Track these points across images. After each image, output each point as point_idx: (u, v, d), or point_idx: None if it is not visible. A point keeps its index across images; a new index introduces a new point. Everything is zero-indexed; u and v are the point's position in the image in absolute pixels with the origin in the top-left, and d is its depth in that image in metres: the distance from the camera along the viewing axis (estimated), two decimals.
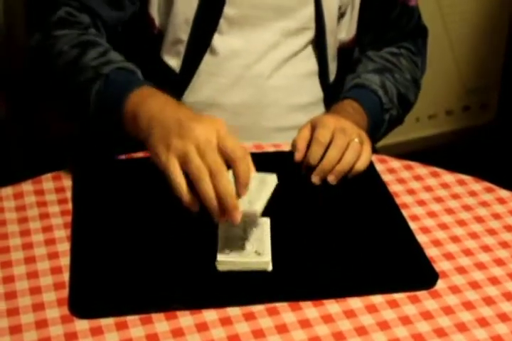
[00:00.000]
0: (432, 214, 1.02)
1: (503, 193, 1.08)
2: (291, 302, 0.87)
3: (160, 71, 1.19)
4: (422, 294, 0.89)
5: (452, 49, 2.28)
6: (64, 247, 0.93)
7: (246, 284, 0.88)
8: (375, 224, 0.99)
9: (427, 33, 1.34)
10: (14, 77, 1.72)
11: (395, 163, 1.12)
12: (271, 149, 1.13)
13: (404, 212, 1.02)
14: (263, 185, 0.92)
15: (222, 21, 1.15)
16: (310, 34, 1.20)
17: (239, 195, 0.87)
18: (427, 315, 0.86)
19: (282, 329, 0.83)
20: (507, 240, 0.99)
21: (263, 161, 1.09)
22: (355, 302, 0.87)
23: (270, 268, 0.90)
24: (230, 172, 0.87)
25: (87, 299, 0.86)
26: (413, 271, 0.92)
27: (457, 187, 1.08)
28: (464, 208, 1.04)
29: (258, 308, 0.86)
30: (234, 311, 0.85)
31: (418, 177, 1.10)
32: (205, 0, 1.13)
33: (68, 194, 1.02)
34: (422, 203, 1.05)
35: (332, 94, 1.25)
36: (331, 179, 1.03)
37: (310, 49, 1.22)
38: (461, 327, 0.85)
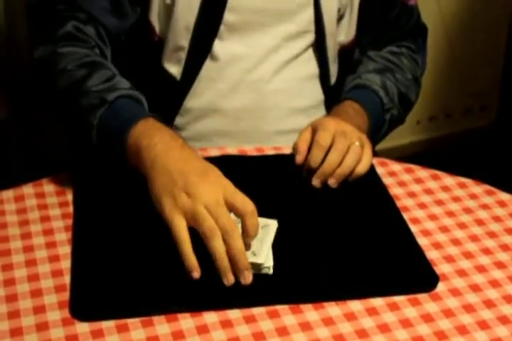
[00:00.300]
0: (432, 217, 1.03)
1: (504, 196, 1.08)
2: (291, 304, 0.87)
3: (161, 78, 1.19)
4: (422, 297, 0.89)
5: (452, 51, 2.28)
6: (65, 250, 0.93)
7: (246, 287, 0.88)
8: (375, 227, 0.99)
9: (427, 32, 1.34)
10: (15, 78, 1.72)
11: (396, 166, 1.12)
12: (271, 152, 1.13)
13: (405, 215, 1.02)
14: (265, 233, 0.93)
15: (222, 27, 1.15)
16: (310, 37, 1.20)
17: (246, 248, 0.88)
18: (427, 318, 0.86)
19: (283, 331, 0.84)
20: (507, 243, 0.99)
21: (264, 164, 1.10)
22: (356, 305, 0.87)
23: (265, 271, 0.89)
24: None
25: (87, 301, 0.86)
26: (413, 274, 0.92)
27: (458, 190, 1.08)
28: (464, 211, 1.04)
29: (259, 311, 0.86)
30: (234, 314, 0.85)
31: (419, 180, 1.10)
32: (205, 6, 1.13)
33: (69, 197, 1.02)
34: (422, 206, 1.05)
35: (333, 97, 1.25)
36: (332, 182, 1.03)
37: (310, 52, 1.22)
38: (462, 330, 0.85)
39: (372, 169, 1.09)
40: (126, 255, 0.92)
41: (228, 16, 1.15)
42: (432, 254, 0.96)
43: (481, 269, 0.94)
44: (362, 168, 1.04)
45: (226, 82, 1.18)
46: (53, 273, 0.90)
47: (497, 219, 1.03)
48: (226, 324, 0.84)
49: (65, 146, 1.40)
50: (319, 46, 1.21)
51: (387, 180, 1.09)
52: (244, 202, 0.89)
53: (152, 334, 0.82)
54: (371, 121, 1.17)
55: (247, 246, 0.88)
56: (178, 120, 1.20)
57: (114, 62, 1.12)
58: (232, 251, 0.86)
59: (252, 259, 0.88)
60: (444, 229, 1.00)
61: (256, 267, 0.89)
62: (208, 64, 1.17)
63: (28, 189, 1.03)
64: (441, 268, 0.94)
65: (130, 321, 0.84)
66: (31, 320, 0.83)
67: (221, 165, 1.07)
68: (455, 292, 0.90)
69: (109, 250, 0.92)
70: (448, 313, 0.87)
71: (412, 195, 1.07)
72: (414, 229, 1.00)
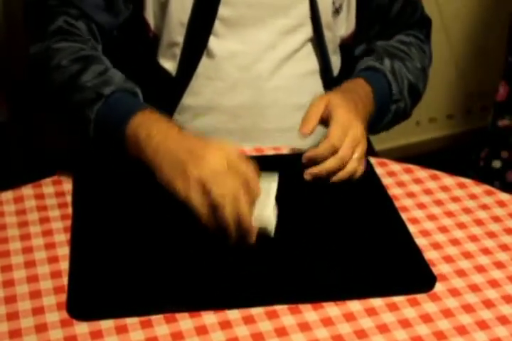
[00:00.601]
0: (431, 217, 1.03)
1: (503, 196, 1.08)
2: (290, 305, 0.87)
3: (156, 74, 1.19)
4: (421, 297, 0.89)
5: (453, 52, 2.28)
6: (64, 251, 0.93)
7: (245, 287, 0.88)
8: (373, 227, 0.99)
9: (431, 24, 1.34)
10: (15, 78, 1.72)
11: (395, 166, 1.12)
12: (271, 152, 1.13)
13: (404, 215, 1.02)
14: (268, 188, 0.96)
15: (217, 23, 1.15)
16: (307, 31, 1.20)
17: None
18: (426, 318, 0.86)
19: (282, 332, 0.84)
20: (507, 243, 0.99)
21: (263, 164, 1.10)
22: (355, 306, 0.87)
23: (268, 232, 0.93)
24: None
25: (85, 301, 0.86)
26: (411, 274, 0.92)
27: (457, 190, 1.08)
28: (463, 211, 1.04)
29: (257, 311, 0.86)
30: (233, 314, 0.85)
31: (418, 181, 1.10)
32: (199, 1, 1.13)
33: (68, 198, 1.02)
34: (421, 206, 1.05)
35: None
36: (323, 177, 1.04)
37: (309, 47, 1.21)
38: (461, 330, 0.85)
39: (371, 169, 1.09)
40: (125, 255, 0.92)
41: (223, 11, 1.14)
42: (431, 254, 0.96)
43: (480, 269, 0.94)
44: (357, 176, 1.05)
45: (224, 80, 1.18)
46: (52, 275, 0.90)
47: (496, 219, 1.03)
48: (225, 325, 0.84)
49: (64, 147, 1.40)
50: (318, 40, 1.20)
51: (386, 180, 1.09)
52: (247, 168, 0.93)
53: (151, 335, 0.82)
54: (377, 107, 1.16)
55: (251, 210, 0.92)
56: (176, 118, 1.20)
57: (109, 59, 1.12)
58: (240, 215, 0.90)
59: (256, 223, 0.92)
60: (444, 230, 1.00)
61: (260, 230, 0.92)
62: (204, 61, 1.17)
63: (27, 190, 1.03)
64: (441, 268, 0.94)
65: (129, 322, 0.84)
66: (30, 322, 0.83)
67: None
68: (454, 292, 0.90)
69: (108, 250, 0.93)
70: (447, 313, 0.87)
71: (411, 195, 1.07)
72: (413, 229, 1.00)
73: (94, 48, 1.12)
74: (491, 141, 2.04)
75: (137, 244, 0.93)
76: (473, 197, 1.07)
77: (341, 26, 1.23)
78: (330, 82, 1.25)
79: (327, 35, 1.20)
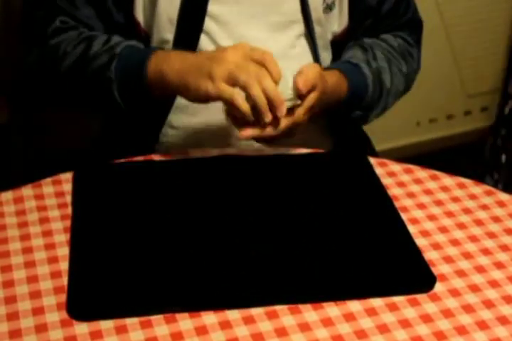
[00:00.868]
0: (431, 218, 1.03)
1: (503, 196, 1.08)
2: (290, 305, 0.87)
3: None
4: (421, 297, 0.89)
5: (453, 53, 2.28)
6: (64, 251, 0.93)
7: (245, 287, 0.88)
8: (373, 227, 0.99)
9: (422, 27, 1.33)
10: (15, 82, 1.72)
11: (395, 167, 1.12)
12: (271, 152, 1.13)
13: (404, 215, 1.02)
14: (283, 78, 1.02)
15: (207, 20, 1.14)
16: (299, 27, 1.19)
17: None
18: (426, 318, 0.86)
19: (282, 332, 0.84)
20: (507, 243, 0.99)
21: (263, 165, 1.10)
22: (355, 306, 0.87)
23: (294, 102, 1.02)
24: None
25: (85, 301, 0.86)
26: (411, 274, 0.92)
27: (457, 191, 1.08)
28: (463, 211, 1.04)
29: (257, 311, 0.86)
30: (233, 314, 0.85)
31: (418, 181, 1.10)
32: None
33: (68, 198, 1.02)
34: (421, 206, 1.05)
35: None
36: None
37: (301, 44, 1.21)
38: (461, 330, 0.85)
39: (371, 169, 1.09)
40: (125, 255, 0.92)
41: (212, 8, 1.14)
42: (431, 255, 0.96)
43: (480, 269, 0.94)
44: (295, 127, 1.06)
45: None
46: (52, 275, 0.90)
47: (496, 219, 1.03)
48: (225, 325, 0.84)
49: (64, 147, 1.41)
50: (310, 36, 1.20)
51: (386, 181, 1.09)
52: (264, 53, 1.01)
53: (151, 335, 0.82)
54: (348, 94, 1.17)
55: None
56: (171, 117, 1.20)
57: None
58: (268, 91, 0.98)
59: (283, 96, 1.00)
60: (443, 230, 1.00)
61: (288, 100, 1.01)
62: None
63: (27, 190, 1.03)
64: (441, 268, 0.94)
65: (129, 322, 0.84)
66: (30, 322, 0.83)
67: (220, 165, 1.08)
68: (454, 292, 0.90)
69: (108, 251, 0.93)
70: (447, 314, 0.87)
71: (411, 195, 1.07)
72: (413, 229, 1.00)
73: (90, 31, 1.17)
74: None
75: (137, 244, 0.93)
76: (473, 197, 1.07)
77: (334, 22, 1.22)
78: None
79: (317, 31, 1.20)
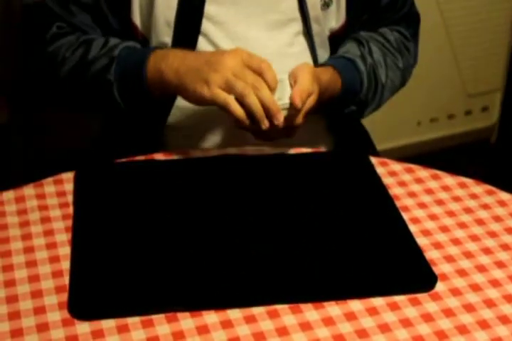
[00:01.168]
0: (432, 217, 1.03)
1: (504, 196, 1.08)
2: (291, 304, 0.87)
3: None
4: (422, 296, 0.89)
5: (454, 53, 2.28)
6: (65, 251, 0.93)
7: (246, 286, 0.88)
8: (375, 227, 0.99)
9: (419, 21, 1.33)
10: (15, 82, 1.72)
11: (396, 166, 1.12)
12: (272, 152, 1.13)
13: (406, 215, 1.02)
14: (281, 84, 1.05)
15: (204, 21, 1.14)
16: (297, 25, 1.19)
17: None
18: (427, 318, 0.86)
19: (283, 331, 0.84)
20: (508, 242, 0.99)
21: (264, 165, 1.10)
22: (356, 305, 0.87)
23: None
24: None
25: (86, 300, 0.86)
26: (412, 274, 0.92)
27: (458, 190, 1.08)
28: (464, 211, 1.04)
29: (259, 311, 0.86)
30: (234, 314, 0.85)
31: (419, 180, 1.10)
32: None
33: (69, 198, 1.02)
34: (423, 206, 1.05)
35: None
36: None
37: (300, 42, 1.20)
38: (462, 330, 0.85)
39: (372, 169, 1.09)
40: (126, 255, 0.92)
41: (209, 8, 1.14)
42: (432, 254, 0.96)
43: (481, 269, 0.94)
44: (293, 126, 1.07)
45: None
46: (54, 274, 0.90)
47: (497, 218, 1.03)
48: (226, 324, 0.84)
49: (64, 147, 1.41)
50: (308, 35, 1.20)
51: (387, 180, 1.09)
52: (261, 61, 1.03)
53: (152, 334, 0.83)
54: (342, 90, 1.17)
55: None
56: (171, 119, 1.20)
57: None
58: (264, 100, 1.00)
59: (279, 102, 1.02)
60: (445, 229, 1.00)
61: (285, 109, 1.03)
62: None
63: (28, 190, 1.03)
64: (442, 267, 0.94)
65: (130, 321, 0.84)
66: (32, 321, 0.83)
67: (221, 164, 1.08)
68: (455, 291, 0.90)
69: (109, 250, 0.93)
70: (448, 313, 0.87)
71: (412, 194, 1.07)
72: (414, 228, 1.00)
73: (88, 35, 1.17)
74: None
75: (138, 244, 0.94)
76: (474, 196, 1.07)
77: (332, 19, 1.22)
78: None
79: (315, 28, 1.20)
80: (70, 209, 1.00)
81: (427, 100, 2.30)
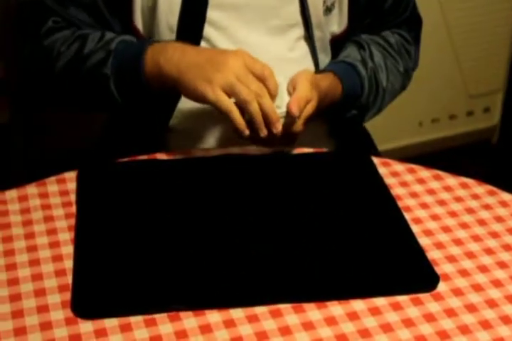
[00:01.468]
0: (434, 217, 1.03)
1: (506, 196, 1.08)
2: (294, 304, 0.87)
3: None
4: (424, 296, 0.89)
5: (455, 54, 2.28)
6: (68, 250, 0.93)
7: (249, 286, 0.88)
8: (377, 227, 0.99)
9: (421, 24, 1.33)
10: (16, 82, 1.72)
11: (398, 166, 1.13)
12: (274, 152, 1.13)
13: (408, 215, 1.02)
14: (280, 89, 1.06)
15: (206, 26, 1.14)
16: (299, 30, 1.19)
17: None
18: (429, 318, 0.87)
19: (285, 331, 0.84)
20: (510, 243, 0.99)
21: (265, 165, 1.10)
22: (359, 305, 0.88)
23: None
24: None
25: (90, 299, 0.86)
26: (414, 274, 0.92)
27: (460, 190, 1.09)
28: (466, 211, 1.04)
29: (261, 310, 0.86)
30: (237, 313, 0.85)
31: (421, 181, 1.10)
32: (187, 5, 1.12)
33: (72, 197, 1.02)
34: (424, 206, 1.05)
35: None
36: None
37: (302, 47, 1.20)
38: (464, 330, 0.85)
39: (374, 169, 1.09)
40: (129, 254, 0.92)
41: (211, 14, 1.13)
42: (434, 254, 0.96)
43: (483, 269, 0.94)
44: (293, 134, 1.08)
45: None
46: (57, 273, 0.90)
47: (499, 219, 1.03)
48: (229, 323, 0.84)
49: (64, 147, 1.41)
50: (310, 40, 1.20)
51: (389, 180, 1.09)
52: (263, 68, 1.03)
53: (155, 333, 0.83)
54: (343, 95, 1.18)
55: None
56: (173, 121, 1.19)
57: None
58: (265, 108, 1.00)
59: (278, 111, 1.03)
60: (447, 229, 1.01)
61: (283, 117, 1.04)
62: None
63: (31, 189, 1.03)
64: (444, 268, 0.94)
65: (133, 320, 0.84)
66: (35, 320, 0.84)
67: (223, 164, 1.08)
68: (457, 292, 0.90)
69: (112, 249, 0.93)
70: (450, 313, 0.87)
71: (414, 195, 1.07)
72: (416, 229, 1.00)
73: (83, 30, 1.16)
74: None
75: (141, 243, 0.94)
76: (475, 197, 1.07)
77: (334, 24, 1.22)
78: None
79: (316, 33, 1.20)
80: (73, 208, 1.00)
81: (428, 101, 2.31)
